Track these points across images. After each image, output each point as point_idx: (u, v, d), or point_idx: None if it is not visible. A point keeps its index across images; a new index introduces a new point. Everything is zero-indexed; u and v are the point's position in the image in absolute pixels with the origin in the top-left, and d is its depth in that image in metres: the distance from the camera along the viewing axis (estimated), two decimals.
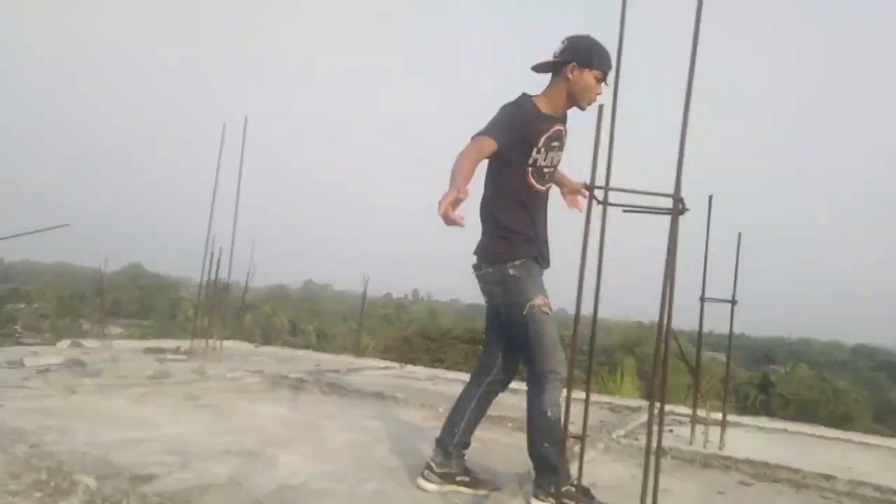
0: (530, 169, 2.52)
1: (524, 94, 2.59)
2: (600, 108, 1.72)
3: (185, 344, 6.59)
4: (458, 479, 2.63)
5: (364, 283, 8.51)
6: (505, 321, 2.61)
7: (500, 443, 3.62)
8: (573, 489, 2.34)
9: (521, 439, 3.74)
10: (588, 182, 1.72)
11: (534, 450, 2.56)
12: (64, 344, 6.48)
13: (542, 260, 2.60)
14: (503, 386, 2.85)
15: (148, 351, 6.32)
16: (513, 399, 5.40)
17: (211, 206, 5.89)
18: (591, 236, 1.72)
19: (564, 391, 2.24)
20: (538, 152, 2.51)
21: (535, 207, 2.60)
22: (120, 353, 5.95)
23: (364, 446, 3.23)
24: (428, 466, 2.63)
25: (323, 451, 3.08)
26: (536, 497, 2.51)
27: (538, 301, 2.47)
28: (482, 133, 2.45)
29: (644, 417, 4.77)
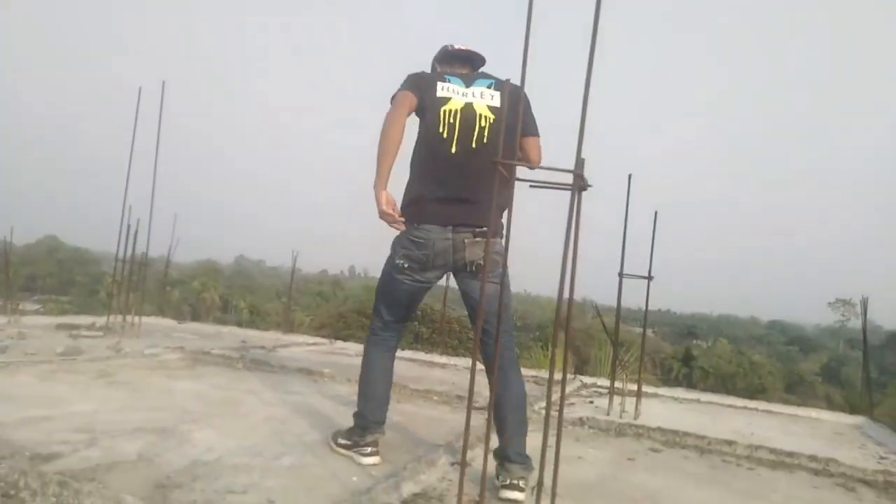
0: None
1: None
2: (507, 81, 1.73)
3: (101, 320, 6.31)
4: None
5: (293, 258, 8.35)
6: (480, 284, 2.33)
7: (425, 416, 3.66)
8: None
9: (444, 412, 3.82)
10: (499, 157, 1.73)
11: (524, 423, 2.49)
12: None
13: None
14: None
15: (60, 327, 6.02)
16: (439, 372, 5.49)
17: (127, 176, 5.62)
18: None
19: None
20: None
21: None
22: (31, 330, 5.64)
23: (285, 421, 3.19)
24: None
25: (242, 426, 3.03)
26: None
27: None
28: (402, 88, 2.57)
29: (566, 389, 4.93)
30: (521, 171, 1.75)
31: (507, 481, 2.32)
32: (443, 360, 6.25)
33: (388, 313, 2.67)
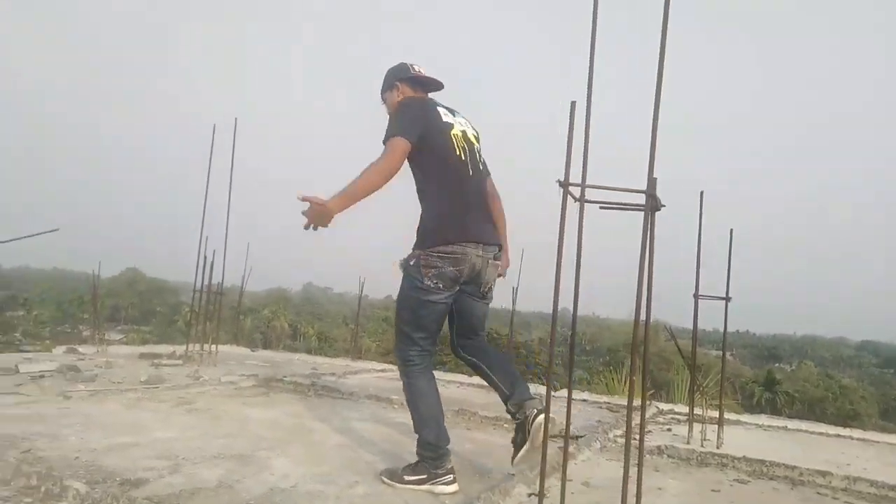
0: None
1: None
2: (573, 104, 1.70)
3: (180, 349, 6.58)
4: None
5: (360, 284, 8.47)
6: (485, 305, 2.79)
7: (496, 444, 3.60)
8: None
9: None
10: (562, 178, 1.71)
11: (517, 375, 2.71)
12: (59, 350, 6.47)
13: None
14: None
15: (143, 356, 6.31)
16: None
17: (203, 209, 5.87)
18: (570, 236, 1.71)
19: None
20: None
21: None
22: (115, 359, 5.93)
23: (356, 449, 3.21)
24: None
25: (315, 454, 3.06)
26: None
27: None
28: (394, 129, 2.64)
29: (644, 416, 4.76)
30: (590, 193, 1.72)
31: (534, 411, 2.48)
32: None
33: (424, 338, 2.68)
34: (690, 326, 3.87)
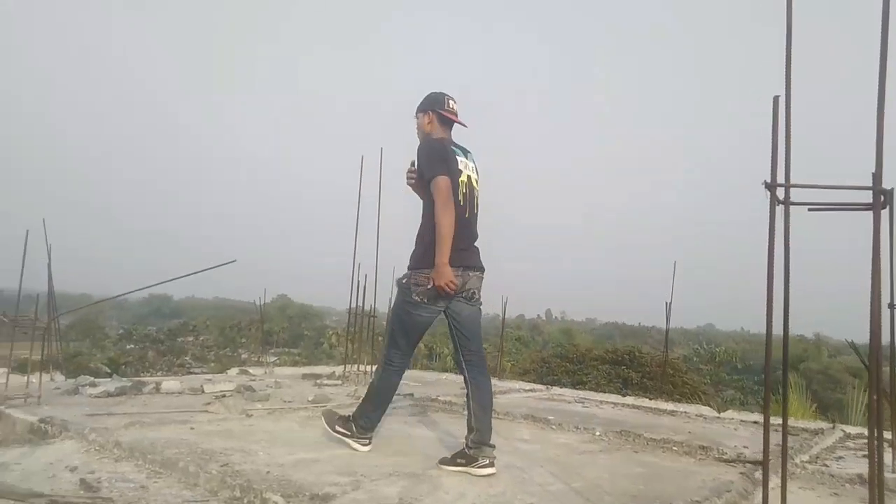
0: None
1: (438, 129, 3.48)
2: (775, 98, 1.58)
3: (338, 369, 6.93)
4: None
5: (503, 304, 8.50)
6: (474, 316, 3.32)
7: (668, 468, 3.41)
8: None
9: (688, 464, 3.53)
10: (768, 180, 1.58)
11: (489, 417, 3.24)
12: (233, 372, 7.07)
13: None
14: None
15: (305, 377, 6.72)
16: (668, 420, 5.12)
17: (355, 235, 6.18)
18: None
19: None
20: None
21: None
22: (282, 380, 6.38)
23: (524, 470, 3.17)
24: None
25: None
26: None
27: None
28: (437, 170, 3.15)
29: (827, 441, 4.29)
30: (798, 195, 1.58)
31: (487, 461, 3.04)
32: (670, 406, 5.84)
33: (406, 344, 3.32)
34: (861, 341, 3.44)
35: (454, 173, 3.17)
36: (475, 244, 3.31)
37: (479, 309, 3.38)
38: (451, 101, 3.36)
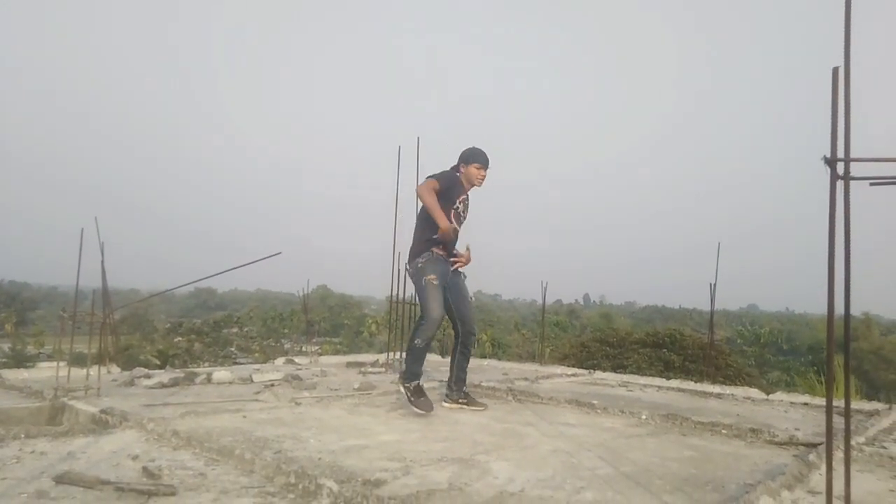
0: (454, 211, 4.40)
1: (457, 172, 4.53)
2: (834, 70, 1.53)
3: (381, 357, 7.01)
4: (460, 401, 4.41)
5: (543, 290, 8.47)
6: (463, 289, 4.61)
7: (718, 451, 3.36)
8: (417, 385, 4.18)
9: (739, 447, 3.47)
10: (828, 155, 1.53)
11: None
12: (280, 361, 7.22)
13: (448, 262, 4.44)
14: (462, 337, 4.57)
15: (349, 365, 6.82)
16: (715, 403, 5.04)
17: (394, 227, 6.23)
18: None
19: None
20: (459, 203, 4.46)
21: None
22: (327, 368, 6.49)
23: (572, 454, 3.17)
24: (445, 396, 4.49)
25: (532, 458, 3.07)
26: (399, 382, 4.30)
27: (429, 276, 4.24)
28: (432, 177, 4.36)
29: (884, 422, 4.17)
30: (860, 169, 1.53)
31: (466, 400, 4.44)
32: (716, 389, 5.75)
33: (439, 306, 4.22)
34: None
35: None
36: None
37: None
38: (482, 171, 4.53)
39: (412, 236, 4.48)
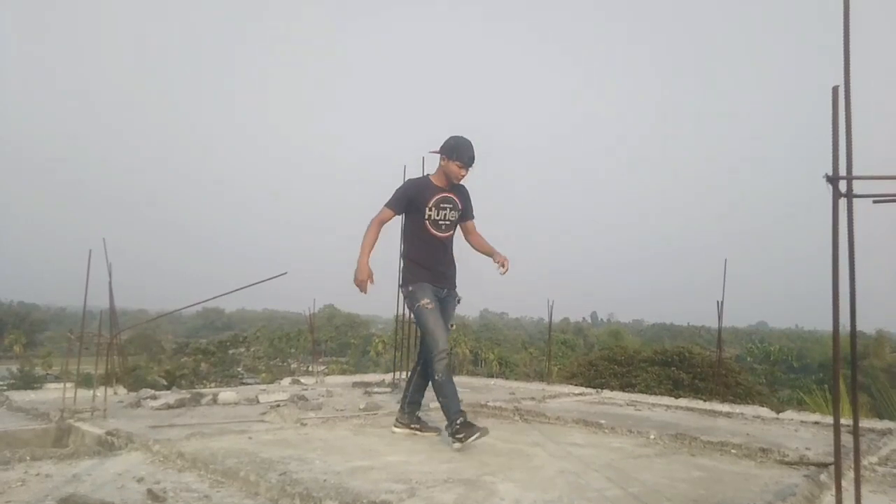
0: (427, 221, 3.97)
1: (425, 175, 4.23)
2: (835, 89, 1.54)
3: (387, 377, 6.99)
4: (412, 426, 4.10)
5: (549, 308, 8.43)
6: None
7: (728, 471, 3.32)
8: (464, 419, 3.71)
9: (749, 467, 3.43)
10: (829, 173, 1.54)
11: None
12: (286, 381, 7.21)
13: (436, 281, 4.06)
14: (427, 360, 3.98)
15: (355, 385, 6.80)
16: (724, 422, 4.98)
17: (399, 243, 6.22)
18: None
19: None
20: (430, 210, 3.96)
21: (432, 247, 4.04)
22: (333, 388, 6.47)
23: (579, 475, 3.14)
24: (396, 419, 4.17)
25: (539, 479, 3.04)
26: (447, 429, 3.75)
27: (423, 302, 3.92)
28: (387, 204, 4.01)
29: None
30: (864, 187, 1.53)
31: (419, 425, 4.12)
32: (725, 408, 5.69)
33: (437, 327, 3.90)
34: None
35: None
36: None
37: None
38: (461, 167, 4.00)
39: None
